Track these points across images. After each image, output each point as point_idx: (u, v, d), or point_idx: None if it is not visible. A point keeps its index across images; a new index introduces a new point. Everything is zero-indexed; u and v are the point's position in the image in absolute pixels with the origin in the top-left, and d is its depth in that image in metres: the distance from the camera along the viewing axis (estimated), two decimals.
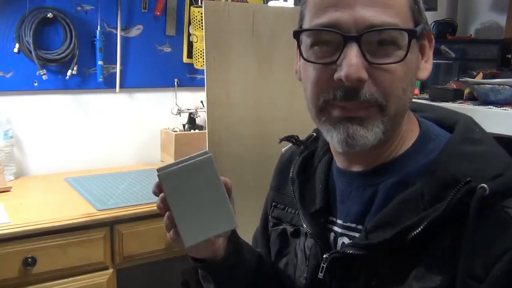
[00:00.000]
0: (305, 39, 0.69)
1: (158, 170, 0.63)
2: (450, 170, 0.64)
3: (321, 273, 0.74)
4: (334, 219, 0.77)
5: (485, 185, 0.60)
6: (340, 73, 0.63)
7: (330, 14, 0.64)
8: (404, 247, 0.64)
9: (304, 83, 0.71)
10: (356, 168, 0.74)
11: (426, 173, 0.67)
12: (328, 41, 0.66)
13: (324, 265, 0.74)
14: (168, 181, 0.62)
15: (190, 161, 0.62)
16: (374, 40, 0.63)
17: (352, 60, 0.62)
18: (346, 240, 0.74)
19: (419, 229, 0.62)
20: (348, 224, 0.74)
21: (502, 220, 0.61)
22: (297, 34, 0.69)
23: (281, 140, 0.90)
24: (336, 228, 0.76)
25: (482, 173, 0.63)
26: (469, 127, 0.71)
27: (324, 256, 0.74)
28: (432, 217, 0.62)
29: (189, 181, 0.63)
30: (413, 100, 0.74)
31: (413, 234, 0.63)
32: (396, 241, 0.64)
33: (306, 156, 0.86)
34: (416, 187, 0.66)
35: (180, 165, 0.62)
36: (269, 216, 0.92)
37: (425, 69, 0.71)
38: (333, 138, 0.67)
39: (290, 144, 0.90)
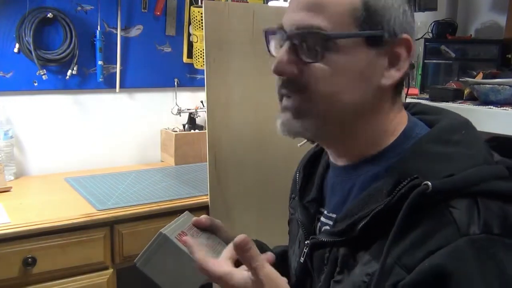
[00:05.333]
0: None
1: (135, 262, 0.79)
2: (407, 167, 0.67)
3: (302, 257, 0.80)
4: (323, 210, 0.83)
5: (428, 182, 0.62)
6: (272, 67, 0.73)
7: (284, 17, 0.74)
8: (362, 236, 0.68)
9: None
10: (341, 163, 0.79)
11: (390, 169, 0.70)
12: (280, 40, 0.75)
13: (306, 250, 0.80)
14: (146, 266, 0.79)
15: (153, 245, 0.78)
16: (302, 40, 0.70)
17: (280, 55, 0.72)
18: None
19: (366, 220, 0.67)
20: (330, 214, 0.80)
21: (443, 218, 0.62)
22: (264, 33, 0.79)
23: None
24: (322, 218, 0.82)
25: (436, 173, 0.65)
26: (451, 128, 0.72)
27: (306, 242, 0.80)
28: (377, 210, 0.66)
29: (160, 258, 0.78)
30: (419, 101, 0.77)
31: (361, 225, 0.68)
32: (351, 231, 0.69)
33: (317, 151, 0.92)
34: (379, 183, 0.70)
35: (148, 250, 0.79)
36: (289, 207, 0.98)
37: (391, 77, 0.72)
38: (277, 123, 0.76)
39: (305, 140, 0.94)
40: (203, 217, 0.87)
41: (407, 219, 0.62)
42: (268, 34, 0.78)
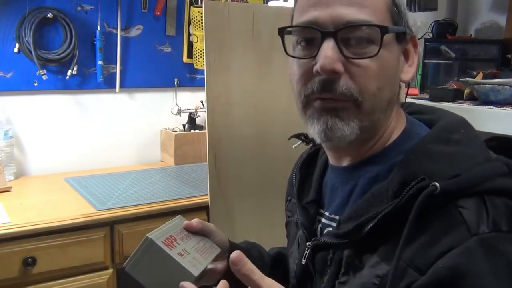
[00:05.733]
0: (292, 38, 0.74)
1: (124, 266, 0.80)
2: (413, 168, 0.67)
3: (304, 259, 0.80)
4: (323, 211, 0.82)
5: (436, 184, 0.62)
6: (316, 66, 0.68)
7: (311, 13, 0.69)
8: (367, 238, 0.68)
9: (291, 81, 0.75)
10: (344, 163, 0.78)
11: (394, 170, 0.69)
12: (310, 38, 0.71)
13: (307, 252, 0.79)
14: (134, 270, 0.80)
15: (140, 249, 0.80)
16: (350, 37, 0.68)
17: (327, 53, 0.67)
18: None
19: (373, 222, 0.66)
20: (332, 215, 0.79)
21: (452, 219, 0.62)
22: (280, 32, 0.75)
23: (290, 137, 0.95)
24: (323, 220, 0.81)
25: (442, 173, 0.65)
26: (451, 127, 0.72)
27: (307, 243, 0.79)
28: (385, 212, 0.65)
29: (147, 262, 0.79)
30: (413, 101, 0.76)
31: (369, 227, 0.67)
32: (357, 232, 0.69)
33: (312, 153, 0.91)
34: (384, 183, 0.69)
35: (136, 255, 0.80)
36: (285, 210, 0.97)
37: (408, 72, 0.76)
38: (314, 130, 0.71)
39: (300, 142, 0.93)
40: (194, 220, 0.86)
41: (417, 221, 0.62)
42: (285, 33, 0.74)
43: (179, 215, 0.91)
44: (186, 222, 0.86)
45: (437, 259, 0.60)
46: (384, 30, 0.68)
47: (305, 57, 0.71)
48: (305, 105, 0.72)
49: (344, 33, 0.67)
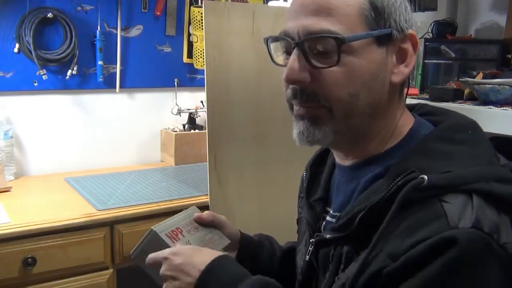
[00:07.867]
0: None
1: (130, 254, 0.85)
2: (408, 164, 0.68)
3: (308, 255, 0.82)
4: (328, 209, 0.83)
5: (425, 176, 0.63)
6: (282, 76, 0.73)
7: (288, 24, 0.73)
8: (364, 232, 0.68)
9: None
10: (348, 162, 0.79)
11: (392, 167, 0.70)
12: (286, 47, 0.75)
13: (311, 249, 0.81)
14: (138, 259, 0.84)
15: (145, 240, 0.83)
16: (314, 46, 0.70)
17: (291, 64, 0.71)
18: None
19: (363, 212, 0.68)
20: (335, 213, 0.80)
21: (434, 211, 0.63)
22: (265, 41, 0.79)
23: None
24: (327, 217, 0.82)
25: (435, 168, 0.65)
26: (456, 127, 0.73)
27: (311, 240, 0.81)
28: (373, 202, 0.67)
29: (150, 253, 0.82)
30: (426, 103, 0.78)
31: (359, 217, 0.68)
32: (350, 224, 0.70)
33: (323, 151, 0.93)
34: (382, 180, 0.70)
35: (141, 245, 0.84)
36: (298, 207, 0.99)
37: (401, 73, 0.74)
38: (294, 133, 0.76)
39: None
40: (206, 213, 0.90)
41: (400, 211, 0.63)
42: (269, 42, 0.77)
43: (193, 206, 0.94)
44: (197, 214, 0.89)
45: (411, 247, 0.61)
46: (339, 41, 0.68)
47: (284, 65, 0.75)
48: (290, 108, 0.77)
49: (309, 43, 0.70)
